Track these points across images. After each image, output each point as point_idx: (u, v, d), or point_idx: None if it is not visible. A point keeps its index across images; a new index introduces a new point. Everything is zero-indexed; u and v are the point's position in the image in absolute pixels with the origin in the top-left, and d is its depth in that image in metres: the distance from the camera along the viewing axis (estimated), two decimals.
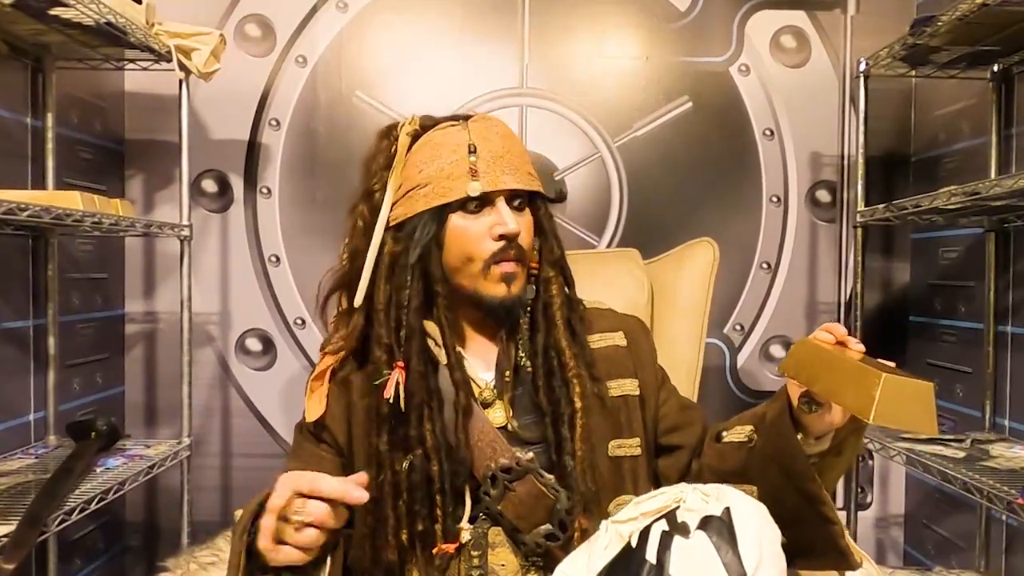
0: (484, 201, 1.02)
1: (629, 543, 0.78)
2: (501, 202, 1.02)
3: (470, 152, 1.01)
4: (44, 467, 1.46)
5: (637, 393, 1.09)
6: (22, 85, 1.63)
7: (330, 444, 1.06)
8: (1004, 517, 1.70)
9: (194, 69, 1.64)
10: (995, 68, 1.75)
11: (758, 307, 2.12)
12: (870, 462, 2.12)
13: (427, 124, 1.06)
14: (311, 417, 1.04)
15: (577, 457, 0.98)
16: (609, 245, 2.08)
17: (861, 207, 1.80)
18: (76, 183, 1.77)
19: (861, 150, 1.81)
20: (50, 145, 1.67)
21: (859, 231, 1.81)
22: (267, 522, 0.79)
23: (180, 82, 1.68)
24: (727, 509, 0.78)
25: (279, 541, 0.79)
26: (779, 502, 0.86)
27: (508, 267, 1.01)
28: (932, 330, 2.02)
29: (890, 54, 1.69)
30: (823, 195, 2.12)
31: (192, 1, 1.97)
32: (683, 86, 2.08)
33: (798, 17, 2.10)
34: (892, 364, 0.88)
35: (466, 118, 1.06)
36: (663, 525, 0.78)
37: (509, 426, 1.02)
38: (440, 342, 1.02)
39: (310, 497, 0.77)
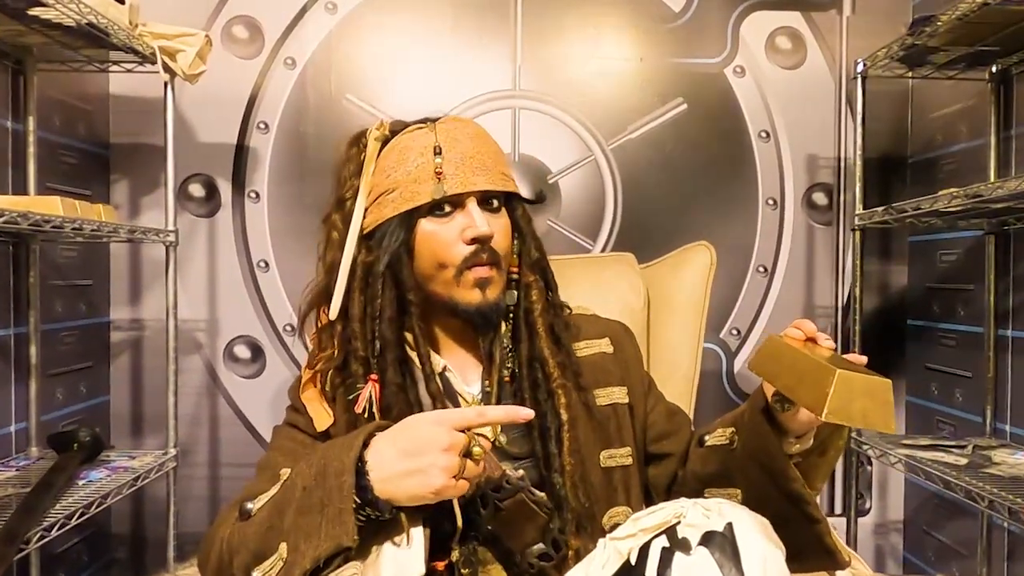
0: (455, 204, 0.98)
1: (628, 560, 0.76)
2: (472, 204, 0.98)
3: (435, 154, 0.98)
4: (26, 480, 1.42)
5: (626, 401, 1.06)
6: (2, 88, 1.59)
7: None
8: (1006, 524, 1.68)
9: (179, 71, 1.61)
10: (994, 69, 1.73)
11: (755, 311, 2.10)
12: (869, 468, 2.09)
13: (396, 128, 1.04)
14: (321, 427, 1.00)
15: (566, 472, 0.95)
16: (603, 249, 2.05)
17: (859, 210, 1.78)
18: (59, 188, 1.73)
19: (859, 152, 1.79)
20: (32, 149, 1.63)
21: (857, 234, 1.79)
22: (447, 461, 0.77)
23: (165, 84, 1.64)
24: (729, 524, 0.75)
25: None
26: (763, 504, 0.84)
27: (482, 272, 0.98)
28: (931, 334, 2.00)
29: (888, 55, 1.67)
30: (820, 198, 2.10)
31: (178, 2, 1.93)
32: (678, 88, 2.06)
33: (793, 18, 2.08)
34: (861, 361, 0.86)
35: (437, 120, 1.03)
36: (663, 541, 0.75)
37: (496, 441, 0.99)
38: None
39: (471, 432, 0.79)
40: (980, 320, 1.77)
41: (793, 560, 0.89)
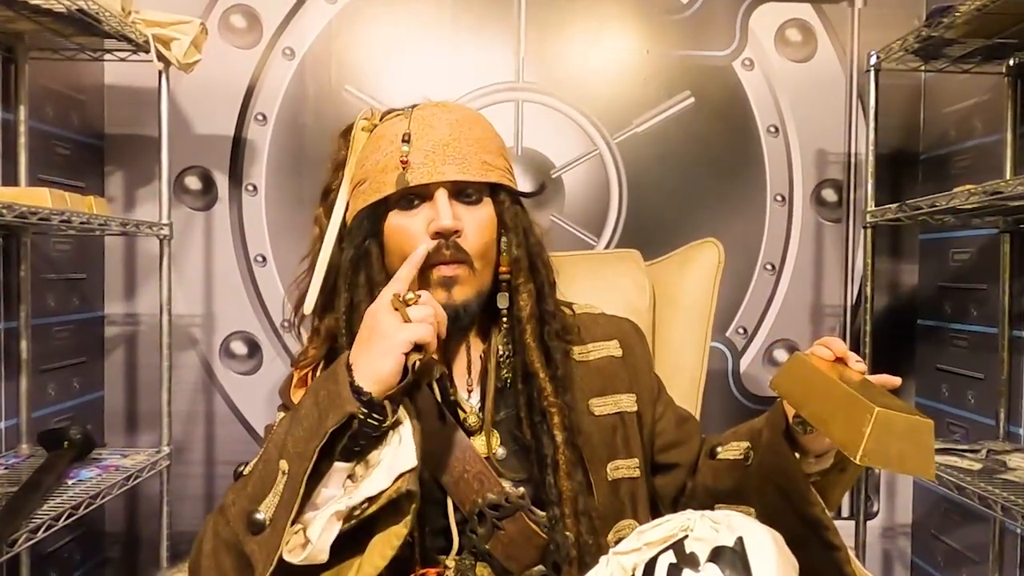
0: (423, 196, 0.92)
1: None
2: (440, 195, 0.91)
3: (403, 142, 0.91)
4: (15, 478, 1.39)
5: (634, 409, 1.01)
6: None
7: None
8: (1019, 530, 1.63)
9: (174, 60, 1.56)
10: (1011, 62, 1.68)
11: (761, 310, 2.06)
12: (877, 471, 2.05)
13: (386, 116, 0.99)
14: None
15: (564, 499, 0.89)
16: (608, 246, 2.01)
17: (871, 207, 1.73)
18: (52, 180, 1.70)
19: (871, 147, 1.74)
20: (23, 139, 1.59)
21: (869, 231, 1.74)
22: (394, 318, 0.79)
23: (160, 73, 1.60)
24: (740, 539, 0.71)
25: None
26: (778, 525, 0.79)
27: (446, 270, 0.90)
28: (942, 334, 1.96)
29: (902, 47, 1.63)
30: (829, 194, 2.05)
31: None
32: (685, 81, 2.01)
33: (804, 10, 2.03)
34: (892, 384, 0.81)
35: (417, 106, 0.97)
36: (670, 557, 0.71)
37: (494, 456, 0.93)
38: None
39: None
40: (994, 320, 1.72)
41: None
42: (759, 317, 2.06)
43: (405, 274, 0.84)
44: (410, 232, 0.91)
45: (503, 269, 0.96)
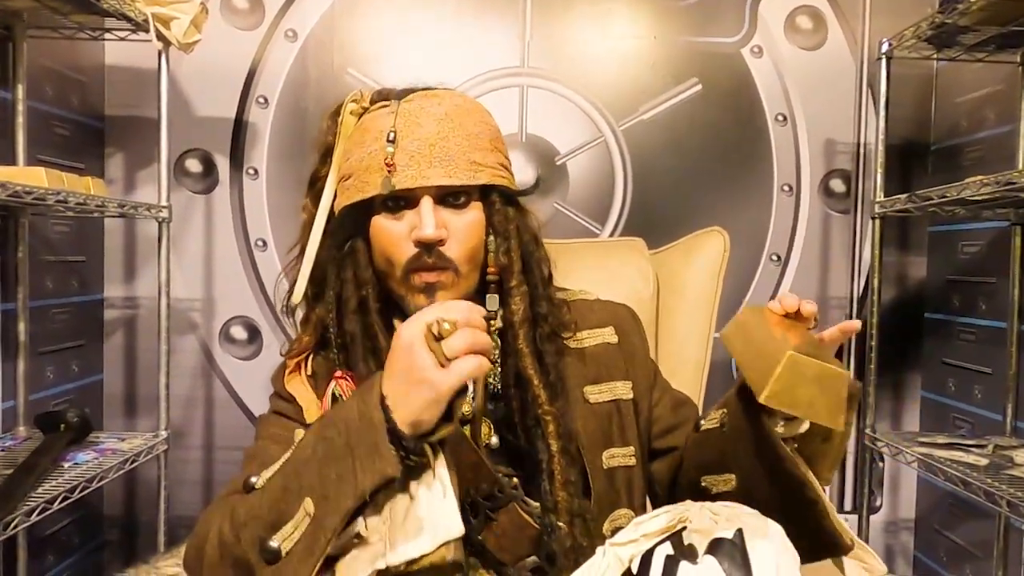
0: (408, 200, 0.90)
1: (629, 569, 0.70)
2: (425, 201, 0.88)
3: (389, 141, 0.88)
4: (12, 460, 1.38)
5: (630, 396, 0.99)
6: None
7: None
8: None
9: (173, 40, 1.54)
10: None
11: (766, 301, 2.02)
12: (881, 464, 2.03)
13: (376, 100, 0.95)
14: (312, 417, 0.93)
15: (560, 509, 0.87)
16: (612, 234, 1.99)
17: (880, 197, 1.70)
18: (50, 160, 1.68)
19: (881, 137, 1.71)
20: (21, 119, 1.57)
21: (877, 222, 1.72)
22: (431, 358, 0.70)
23: (159, 53, 1.58)
24: (739, 531, 0.69)
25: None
26: (758, 488, 0.78)
27: (428, 277, 0.89)
28: (949, 328, 1.93)
29: (915, 34, 1.59)
30: (837, 184, 2.03)
31: None
32: (692, 68, 1.98)
33: None
34: (852, 328, 0.80)
35: (408, 94, 0.94)
36: (667, 548, 0.69)
37: (488, 443, 0.92)
38: None
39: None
40: (1002, 315, 1.70)
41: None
42: None
43: (439, 309, 0.76)
44: (394, 237, 0.90)
45: (491, 270, 0.94)
